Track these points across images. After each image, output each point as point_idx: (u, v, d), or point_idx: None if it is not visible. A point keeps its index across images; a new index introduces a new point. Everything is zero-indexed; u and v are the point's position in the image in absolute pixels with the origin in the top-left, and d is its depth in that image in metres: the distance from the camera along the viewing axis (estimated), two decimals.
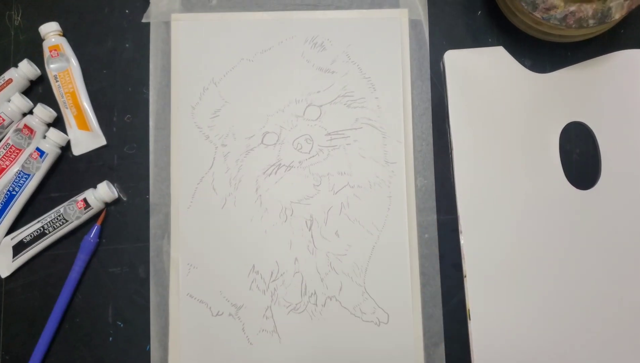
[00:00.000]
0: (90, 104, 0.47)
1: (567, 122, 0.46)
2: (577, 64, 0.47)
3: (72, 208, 0.45)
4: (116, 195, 0.46)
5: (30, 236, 0.45)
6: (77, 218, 0.45)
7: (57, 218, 0.45)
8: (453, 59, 0.47)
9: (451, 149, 0.46)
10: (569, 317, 0.44)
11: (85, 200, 0.45)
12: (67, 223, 0.45)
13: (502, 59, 0.47)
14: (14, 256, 0.45)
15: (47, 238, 0.45)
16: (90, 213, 0.45)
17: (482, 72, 0.46)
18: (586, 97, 0.46)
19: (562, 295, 0.44)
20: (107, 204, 0.46)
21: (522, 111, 0.46)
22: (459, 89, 0.46)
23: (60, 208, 0.45)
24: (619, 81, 0.46)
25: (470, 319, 0.44)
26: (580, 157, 0.46)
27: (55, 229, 0.45)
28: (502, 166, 0.46)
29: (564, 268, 0.45)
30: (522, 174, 0.46)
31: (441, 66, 0.47)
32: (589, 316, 0.44)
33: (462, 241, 0.45)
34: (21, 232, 0.45)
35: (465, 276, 0.45)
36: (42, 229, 0.45)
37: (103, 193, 0.45)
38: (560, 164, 0.46)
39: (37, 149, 0.45)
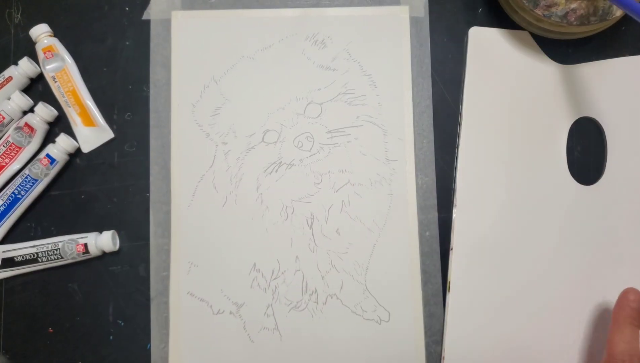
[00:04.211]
0: (92, 100, 0.47)
1: (579, 116, 0.46)
2: (599, 61, 0.47)
3: (70, 248, 0.44)
4: (116, 248, 0.46)
5: (23, 257, 0.44)
6: (73, 258, 0.44)
7: (54, 252, 0.44)
8: (477, 35, 0.47)
9: (460, 124, 0.46)
10: (551, 304, 0.44)
11: (85, 246, 0.44)
12: (62, 259, 0.44)
13: (525, 43, 0.47)
14: (0, 268, 0.45)
15: (39, 265, 0.44)
16: (88, 257, 0.45)
17: (503, 53, 0.46)
18: (602, 94, 0.46)
19: (546, 282, 0.44)
20: (103, 253, 0.46)
21: (536, 98, 0.46)
22: (478, 65, 0.46)
23: (59, 243, 0.44)
24: (637, 83, 0.46)
25: (449, 291, 0.44)
26: (586, 153, 0.46)
27: (49, 260, 0.44)
28: (507, 148, 0.46)
29: (552, 256, 0.45)
30: (526, 160, 0.46)
31: (464, 41, 0.47)
32: (569, 308, 0.44)
33: (454, 215, 0.45)
34: (15, 249, 0.44)
35: (451, 249, 0.44)
36: (35, 255, 0.44)
37: (105, 243, 0.45)
38: (566, 156, 0.46)
39: (48, 156, 0.45)
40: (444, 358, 0.44)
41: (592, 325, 0.44)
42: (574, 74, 0.47)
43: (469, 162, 0.46)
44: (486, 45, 0.47)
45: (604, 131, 0.46)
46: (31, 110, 0.46)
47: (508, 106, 0.46)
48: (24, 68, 0.46)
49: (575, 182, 0.46)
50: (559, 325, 0.44)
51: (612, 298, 0.43)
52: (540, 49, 0.47)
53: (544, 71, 0.47)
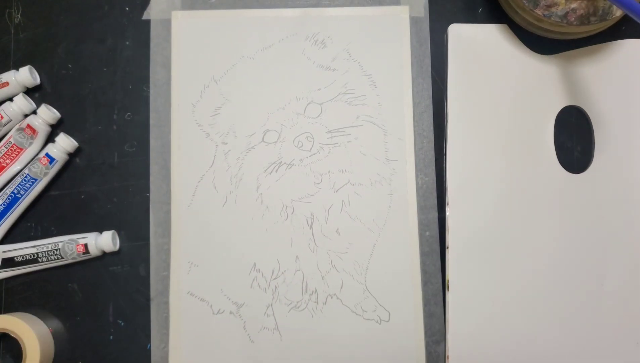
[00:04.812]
0: None
1: (564, 106, 0.46)
2: (579, 49, 0.47)
3: (70, 248, 0.44)
4: (117, 248, 0.46)
5: (23, 257, 0.44)
6: (74, 259, 0.44)
7: (54, 252, 0.44)
8: (457, 32, 0.47)
9: (446, 121, 0.46)
10: (548, 294, 0.44)
11: (86, 246, 0.44)
12: (62, 259, 0.44)
13: (505, 36, 0.47)
14: (0, 268, 0.45)
15: (39, 265, 0.44)
16: (88, 257, 0.45)
17: (484, 48, 0.46)
18: (585, 82, 0.46)
19: (543, 273, 0.45)
20: (104, 253, 0.46)
21: (520, 90, 0.46)
22: (460, 62, 0.46)
23: (60, 243, 0.44)
24: (619, 68, 0.46)
25: (448, 290, 0.44)
26: (574, 141, 0.46)
27: (49, 261, 0.44)
28: (495, 142, 0.46)
29: (547, 247, 0.45)
30: (515, 152, 0.46)
31: (444, 38, 0.47)
32: (566, 297, 0.44)
33: (447, 213, 0.45)
34: (15, 249, 0.44)
35: (447, 248, 0.44)
36: (35, 255, 0.44)
37: (105, 243, 0.45)
38: (554, 146, 0.46)
39: (47, 155, 0.45)
40: (448, 357, 0.44)
41: (592, 311, 0.44)
42: (555, 64, 0.47)
43: (458, 159, 0.45)
44: (466, 41, 0.46)
45: (589, 118, 0.46)
46: (33, 112, 0.46)
47: (493, 101, 0.46)
48: (22, 77, 0.45)
49: (565, 171, 0.46)
50: (560, 313, 0.44)
51: (610, 286, 0.43)
52: (520, 41, 0.47)
53: (526, 62, 0.47)
